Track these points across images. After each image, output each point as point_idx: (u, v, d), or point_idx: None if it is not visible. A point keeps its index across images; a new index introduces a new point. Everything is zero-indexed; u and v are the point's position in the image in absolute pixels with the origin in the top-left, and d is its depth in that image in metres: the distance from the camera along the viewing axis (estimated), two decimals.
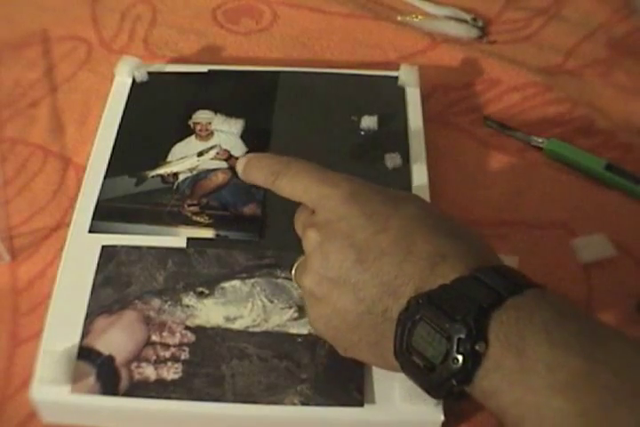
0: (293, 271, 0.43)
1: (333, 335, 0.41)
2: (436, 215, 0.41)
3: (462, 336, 0.34)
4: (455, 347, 0.34)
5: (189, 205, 0.52)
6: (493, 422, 0.46)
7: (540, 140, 0.61)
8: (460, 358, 0.34)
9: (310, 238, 0.40)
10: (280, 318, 0.46)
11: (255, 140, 0.57)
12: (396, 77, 0.61)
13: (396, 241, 0.38)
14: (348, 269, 0.38)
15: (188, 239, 0.50)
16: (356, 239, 0.39)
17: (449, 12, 0.72)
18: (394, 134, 0.57)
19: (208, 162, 0.55)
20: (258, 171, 0.45)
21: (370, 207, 0.40)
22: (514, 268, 0.38)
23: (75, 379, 0.43)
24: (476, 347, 0.34)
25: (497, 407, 0.35)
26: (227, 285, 0.48)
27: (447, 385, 0.35)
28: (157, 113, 0.59)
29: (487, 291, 0.35)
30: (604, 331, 0.35)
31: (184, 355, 0.45)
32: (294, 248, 0.48)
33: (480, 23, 0.71)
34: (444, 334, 0.35)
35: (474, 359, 0.34)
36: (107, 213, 0.52)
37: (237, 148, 0.56)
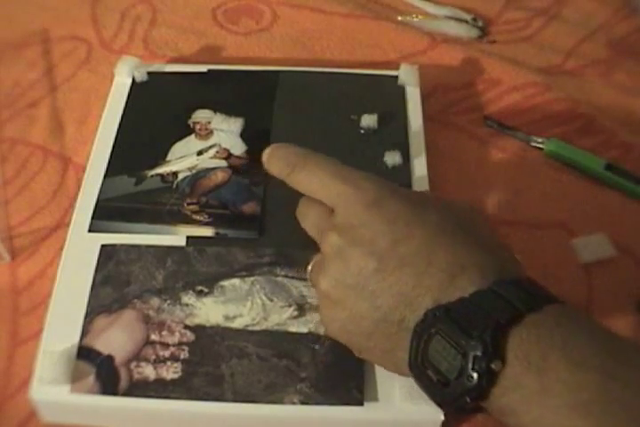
0: (309, 268, 0.43)
1: (347, 339, 0.41)
2: (459, 223, 0.40)
3: (478, 354, 0.33)
4: (470, 364, 0.34)
5: (189, 204, 0.52)
6: (494, 423, 0.46)
7: (540, 140, 0.60)
8: (475, 375, 0.33)
9: (331, 242, 0.40)
10: (280, 317, 0.46)
11: (255, 139, 0.56)
12: (396, 77, 0.61)
13: (416, 251, 0.38)
14: (366, 277, 0.38)
15: (188, 238, 0.50)
16: (378, 247, 0.38)
17: (449, 12, 0.72)
18: (394, 133, 0.57)
19: (207, 161, 0.55)
20: (276, 161, 0.44)
21: (393, 213, 0.39)
22: (534, 280, 0.37)
23: (74, 379, 0.43)
24: (492, 365, 0.33)
25: (515, 425, 0.34)
26: (226, 283, 0.48)
27: (460, 401, 0.35)
28: (157, 113, 0.59)
29: (505, 306, 0.34)
30: (623, 346, 0.34)
31: (183, 354, 0.45)
32: (294, 246, 0.49)
33: (480, 23, 0.71)
34: (460, 350, 0.34)
35: (489, 378, 0.33)
36: (106, 213, 0.52)
37: (237, 147, 0.56)
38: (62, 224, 0.54)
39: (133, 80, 0.61)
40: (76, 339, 0.45)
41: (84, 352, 0.44)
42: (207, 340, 0.45)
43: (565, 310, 0.35)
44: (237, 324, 0.46)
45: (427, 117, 0.59)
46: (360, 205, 0.39)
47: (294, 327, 0.46)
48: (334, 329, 0.41)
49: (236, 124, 0.57)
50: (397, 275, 0.37)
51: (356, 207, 0.39)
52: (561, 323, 0.34)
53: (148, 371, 0.44)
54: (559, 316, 0.35)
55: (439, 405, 0.36)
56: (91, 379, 0.43)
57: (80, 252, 0.49)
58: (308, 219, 0.43)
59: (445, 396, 0.35)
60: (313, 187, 0.42)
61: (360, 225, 0.39)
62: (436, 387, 0.35)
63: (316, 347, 0.45)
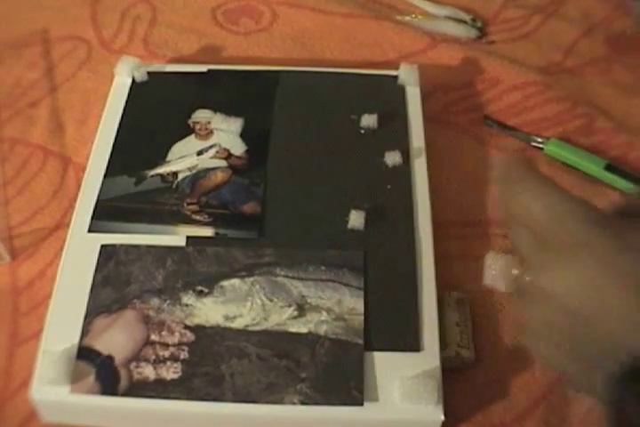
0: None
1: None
2: None
3: None
4: None
5: (189, 204, 0.52)
6: (493, 422, 0.46)
7: (540, 139, 0.60)
8: None
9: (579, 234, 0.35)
10: (279, 317, 0.46)
11: (255, 138, 0.56)
12: (396, 76, 0.61)
13: None
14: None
15: (188, 238, 0.50)
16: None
17: (448, 12, 0.72)
18: (394, 132, 0.57)
19: (207, 161, 0.55)
20: None
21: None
22: None
23: (74, 379, 0.43)
24: None
25: None
26: (226, 283, 0.48)
27: None
28: (157, 113, 0.59)
29: None
30: None
31: (183, 354, 0.45)
32: (294, 246, 0.49)
33: (479, 24, 0.71)
34: None
35: None
36: (106, 213, 0.52)
37: (237, 146, 0.56)
38: (62, 224, 0.54)
39: (133, 80, 0.61)
40: (75, 339, 0.45)
41: (84, 352, 0.44)
42: (207, 340, 0.45)
43: None
44: (237, 324, 0.46)
45: (426, 117, 0.59)
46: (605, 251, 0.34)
47: (294, 327, 0.46)
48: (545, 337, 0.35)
49: (235, 124, 0.57)
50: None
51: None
52: None
53: (148, 371, 0.44)
54: None
55: None
56: (91, 379, 0.43)
57: (80, 252, 0.49)
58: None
59: None
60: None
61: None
62: None
63: (316, 347, 0.45)
